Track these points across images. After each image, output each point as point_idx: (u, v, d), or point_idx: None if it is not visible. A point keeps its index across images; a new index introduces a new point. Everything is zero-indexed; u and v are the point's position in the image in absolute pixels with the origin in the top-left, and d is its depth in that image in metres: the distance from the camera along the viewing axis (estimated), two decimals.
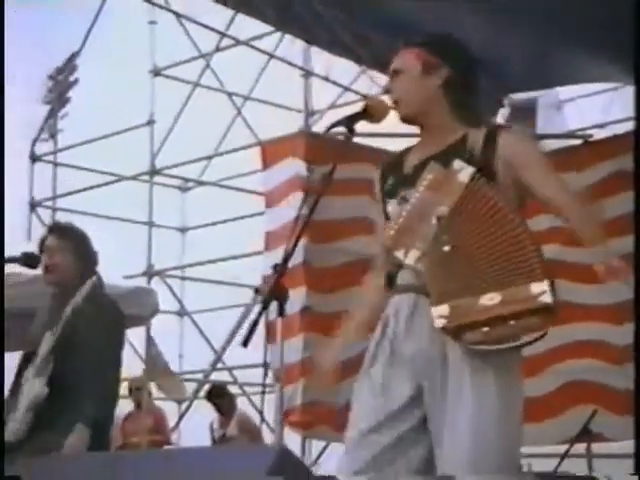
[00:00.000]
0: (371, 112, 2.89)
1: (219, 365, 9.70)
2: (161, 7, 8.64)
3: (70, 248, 4.35)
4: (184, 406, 9.96)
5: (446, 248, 2.69)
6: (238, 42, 9.01)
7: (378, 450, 2.72)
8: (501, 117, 8.03)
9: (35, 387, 4.09)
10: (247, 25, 8.32)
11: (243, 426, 7.91)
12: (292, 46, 8.84)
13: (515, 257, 2.62)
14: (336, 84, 9.34)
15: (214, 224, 10.51)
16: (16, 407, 4.07)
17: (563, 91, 8.96)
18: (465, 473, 2.64)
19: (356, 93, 9.31)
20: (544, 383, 6.30)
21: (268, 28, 8.26)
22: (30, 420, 4.04)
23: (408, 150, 3.05)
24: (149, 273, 9.15)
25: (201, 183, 10.54)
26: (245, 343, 2.61)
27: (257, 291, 3.02)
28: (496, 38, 6.95)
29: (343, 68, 8.67)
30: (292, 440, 6.81)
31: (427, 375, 2.76)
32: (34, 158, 9.79)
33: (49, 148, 10.11)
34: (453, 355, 2.71)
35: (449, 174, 2.75)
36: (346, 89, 9.39)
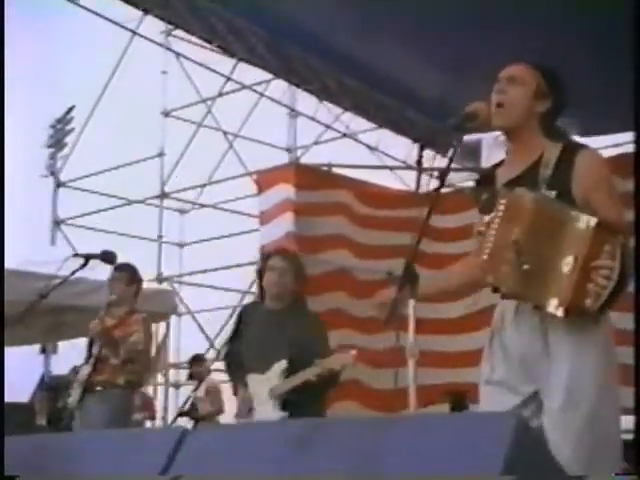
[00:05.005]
0: (472, 115, 2.94)
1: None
2: (178, 54, 9.98)
3: (291, 271, 4.65)
4: None
5: (525, 267, 2.77)
6: (244, 87, 10.18)
7: None
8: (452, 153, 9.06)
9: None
10: (249, 73, 9.51)
11: (209, 387, 9.02)
12: (286, 90, 10.04)
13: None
14: (320, 123, 10.50)
15: (208, 240, 11.78)
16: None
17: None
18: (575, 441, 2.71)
19: (337, 131, 10.53)
20: None
21: (266, 75, 9.50)
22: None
23: (500, 164, 3.10)
24: (159, 279, 10.60)
25: (202, 206, 11.83)
26: (387, 322, 2.78)
27: (390, 274, 2.67)
28: (446, 88, 8.28)
29: (325, 110, 10.00)
30: None
31: (537, 370, 2.85)
32: (59, 184, 11.21)
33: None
34: (554, 346, 2.82)
35: (516, 199, 2.84)
36: (328, 127, 10.53)
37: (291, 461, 2.01)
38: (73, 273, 4.67)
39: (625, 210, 2.92)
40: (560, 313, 2.72)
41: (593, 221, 2.71)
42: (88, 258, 4.62)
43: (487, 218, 2.91)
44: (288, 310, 4.63)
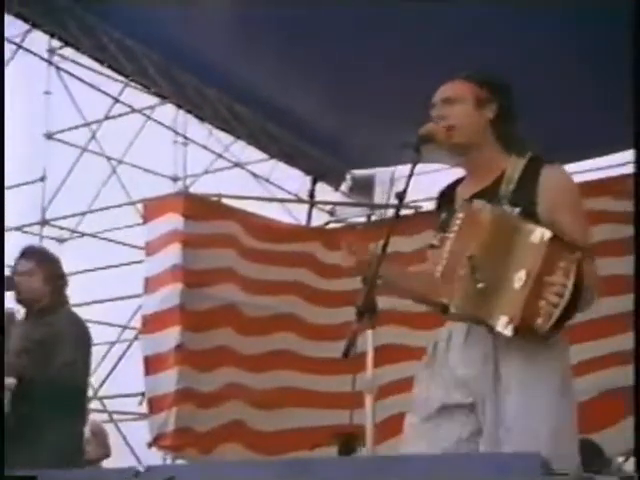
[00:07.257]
0: (428, 136, 2.83)
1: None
2: (60, 69, 9.49)
3: (39, 272, 4.50)
4: None
5: (480, 285, 2.65)
6: (133, 110, 9.81)
7: None
8: (345, 187, 9.15)
9: None
10: (138, 98, 9.30)
11: (94, 429, 8.41)
12: (175, 115, 9.73)
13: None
14: (211, 151, 10.19)
15: (87, 271, 10.89)
16: None
17: (398, 169, 9.31)
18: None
19: (228, 161, 10.25)
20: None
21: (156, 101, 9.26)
22: None
23: (459, 182, 3.01)
24: None
25: (82, 235, 11.20)
26: (346, 355, 2.58)
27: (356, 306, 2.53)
28: (340, 121, 8.18)
29: (216, 139, 9.76)
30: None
31: (481, 393, 2.72)
32: None
33: None
34: (506, 372, 2.70)
35: (474, 213, 2.74)
36: (219, 156, 10.27)
37: None
38: None
39: (590, 229, 2.86)
40: (509, 332, 2.60)
41: (548, 235, 2.60)
42: None
43: (442, 234, 2.82)
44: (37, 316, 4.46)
